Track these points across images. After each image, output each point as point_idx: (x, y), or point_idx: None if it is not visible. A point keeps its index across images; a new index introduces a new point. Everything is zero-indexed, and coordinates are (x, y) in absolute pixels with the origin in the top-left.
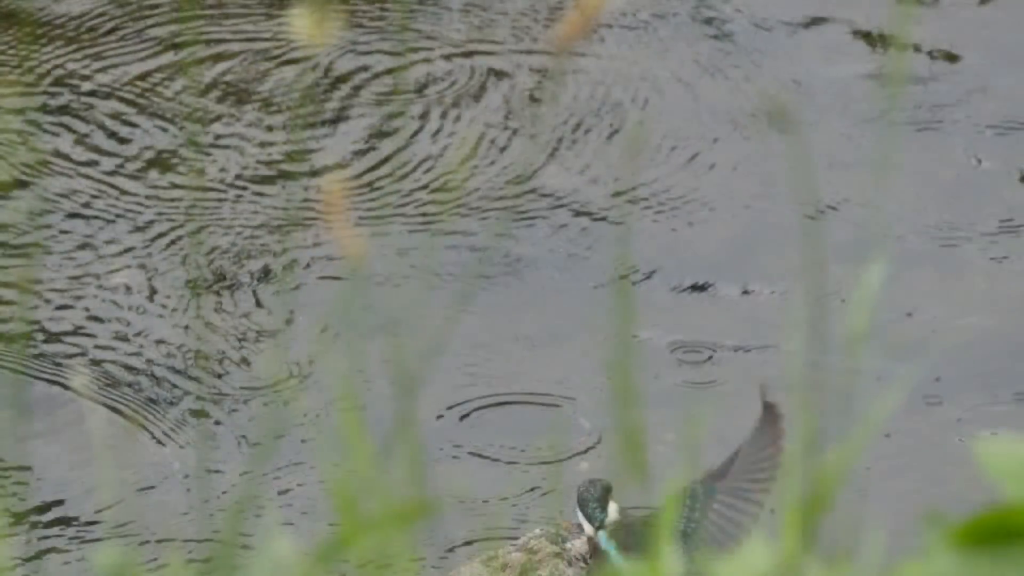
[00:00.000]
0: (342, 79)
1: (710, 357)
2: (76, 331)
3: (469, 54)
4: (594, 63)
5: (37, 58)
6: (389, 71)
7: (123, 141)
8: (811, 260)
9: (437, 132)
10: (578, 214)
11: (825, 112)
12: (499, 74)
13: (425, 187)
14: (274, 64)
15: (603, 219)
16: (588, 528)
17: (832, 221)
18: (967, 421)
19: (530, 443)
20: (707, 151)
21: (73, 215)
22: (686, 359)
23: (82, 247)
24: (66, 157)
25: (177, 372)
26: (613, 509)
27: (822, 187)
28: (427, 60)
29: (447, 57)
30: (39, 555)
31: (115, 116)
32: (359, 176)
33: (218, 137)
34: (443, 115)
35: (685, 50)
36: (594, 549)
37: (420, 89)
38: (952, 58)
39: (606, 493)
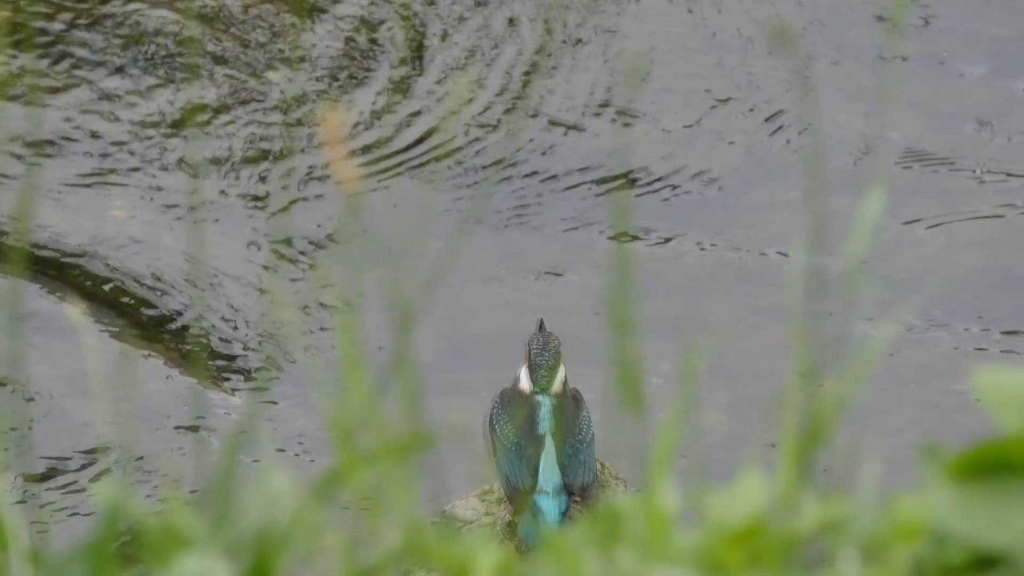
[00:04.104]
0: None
1: (707, 288)
2: (73, 259)
3: None
4: None
5: None
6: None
7: (119, 69)
8: (812, 190)
9: (436, 59)
10: (577, 143)
11: (826, 39)
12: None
13: (425, 115)
14: None
15: (602, 147)
16: (526, 384)
17: (832, 150)
18: (964, 353)
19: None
20: (707, 78)
21: (70, 141)
22: (683, 290)
23: (79, 174)
24: (61, 84)
25: (174, 300)
26: (559, 379)
27: (823, 115)
28: None
29: None
30: (36, 485)
31: (108, 41)
32: (360, 104)
33: (216, 61)
34: (443, 39)
35: None
36: (522, 398)
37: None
38: None
39: (557, 359)
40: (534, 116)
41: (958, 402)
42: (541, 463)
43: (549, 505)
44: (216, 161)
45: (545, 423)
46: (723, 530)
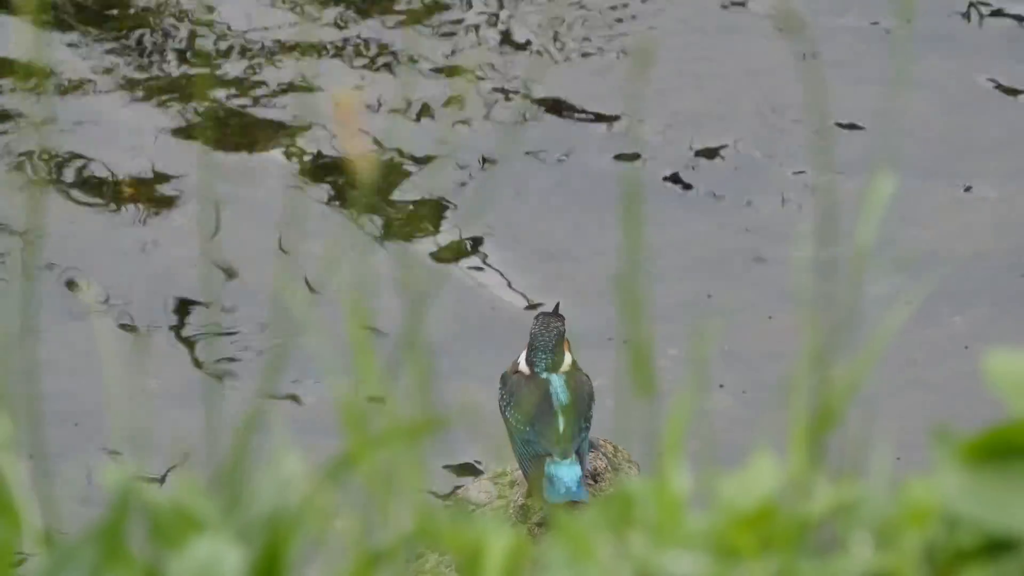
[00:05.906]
0: None
1: (718, 271)
2: (85, 245)
3: None
4: None
5: None
6: None
7: (133, 54)
8: (821, 172)
9: (448, 45)
10: (587, 126)
11: (835, 22)
12: None
13: (435, 96)
14: None
15: (611, 131)
16: (524, 367)
17: (842, 133)
18: (975, 336)
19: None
20: (716, 60)
21: (82, 127)
22: (694, 273)
23: (90, 160)
24: (75, 71)
25: (187, 287)
26: (567, 360)
27: (832, 98)
28: None
29: None
30: (47, 468)
31: (128, 24)
32: (373, 87)
33: (229, 43)
34: (454, 23)
35: None
36: (529, 380)
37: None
38: None
39: (560, 340)
40: (544, 100)
41: (970, 385)
42: (555, 434)
43: (563, 472)
44: (228, 145)
45: (559, 396)
46: (735, 513)
